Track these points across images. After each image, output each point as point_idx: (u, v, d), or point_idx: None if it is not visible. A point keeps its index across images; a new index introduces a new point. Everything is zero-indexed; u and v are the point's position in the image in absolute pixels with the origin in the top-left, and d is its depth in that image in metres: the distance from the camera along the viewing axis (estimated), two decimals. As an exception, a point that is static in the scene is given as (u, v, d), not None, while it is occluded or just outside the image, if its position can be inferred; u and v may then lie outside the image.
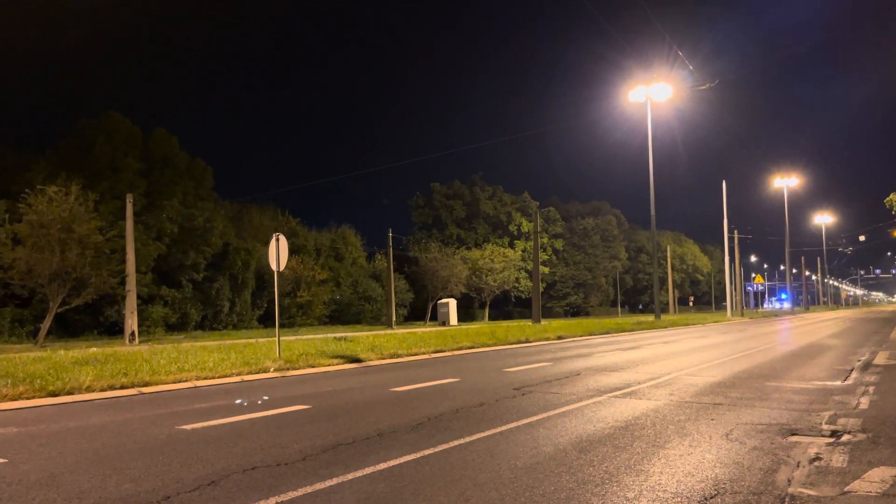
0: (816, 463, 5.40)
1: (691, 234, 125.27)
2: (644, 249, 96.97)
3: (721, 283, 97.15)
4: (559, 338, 24.08)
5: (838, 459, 5.49)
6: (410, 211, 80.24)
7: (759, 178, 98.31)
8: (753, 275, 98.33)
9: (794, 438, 6.31)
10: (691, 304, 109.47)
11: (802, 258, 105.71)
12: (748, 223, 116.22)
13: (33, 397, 9.29)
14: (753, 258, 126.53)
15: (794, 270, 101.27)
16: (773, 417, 7.40)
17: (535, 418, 7.42)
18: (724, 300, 71.98)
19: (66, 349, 18.36)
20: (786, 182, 75.61)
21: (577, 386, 10.24)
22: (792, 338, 23.59)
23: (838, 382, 10.57)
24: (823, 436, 6.42)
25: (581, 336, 25.81)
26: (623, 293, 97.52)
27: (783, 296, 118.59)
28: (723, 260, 67.69)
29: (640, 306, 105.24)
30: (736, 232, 66.53)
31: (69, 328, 36.27)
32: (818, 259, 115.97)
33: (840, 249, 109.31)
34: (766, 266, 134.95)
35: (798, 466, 5.29)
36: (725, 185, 59.45)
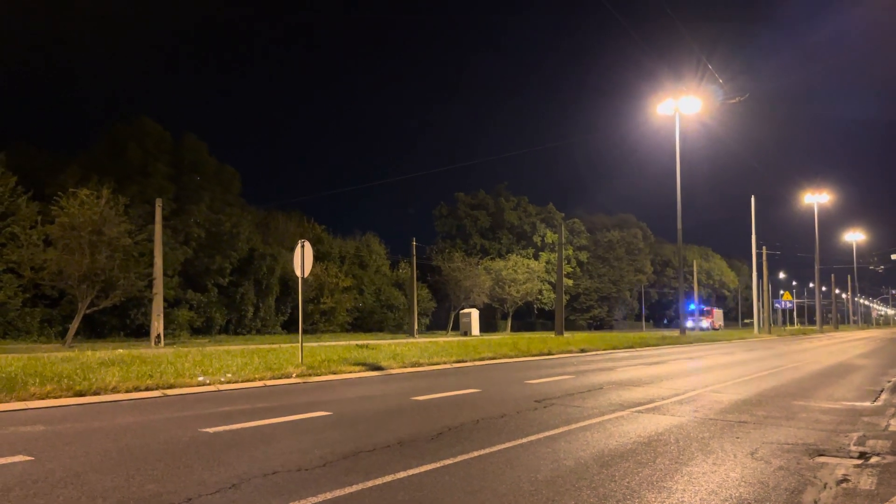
0: (844, 485, 5.29)
1: (718, 249, 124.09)
2: (670, 263, 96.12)
3: (748, 300, 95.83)
4: (582, 351, 23.91)
5: (866, 482, 5.37)
6: (434, 220, 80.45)
7: (789, 193, 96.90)
8: (782, 291, 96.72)
9: (822, 459, 6.19)
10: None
11: (832, 276, 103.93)
12: (777, 239, 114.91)
13: (61, 396, 9.43)
14: (782, 275, 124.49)
15: (824, 288, 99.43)
16: (799, 437, 7.26)
17: (556, 431, 7.36)
18: (751, 316, 70.97)
19: (93, 350, 18.63)
20: (816, 198, 74.43)
21: (600, 400, 10.15)
22: (820, 357, 23.16)
23: (867, 403, 10.35)
24: (851, 457, 6.28)
25: (604, 350, 25.60)
26: (648, 307, 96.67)
27: (691, 307, 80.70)
28: (750, 276, 66.78)
29: (665, 321, 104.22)
30: (764, 248, 65.63)
31: (96, 329, 36.87)
32: (848, 277, 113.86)
33: (871, 267, 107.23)
34: (794, 283, 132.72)
35: (825, 488, 5.19)
36: (754, 200, 58.78)
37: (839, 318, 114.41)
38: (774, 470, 5.71)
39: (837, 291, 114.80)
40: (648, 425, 7.89)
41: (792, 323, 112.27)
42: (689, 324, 77.04)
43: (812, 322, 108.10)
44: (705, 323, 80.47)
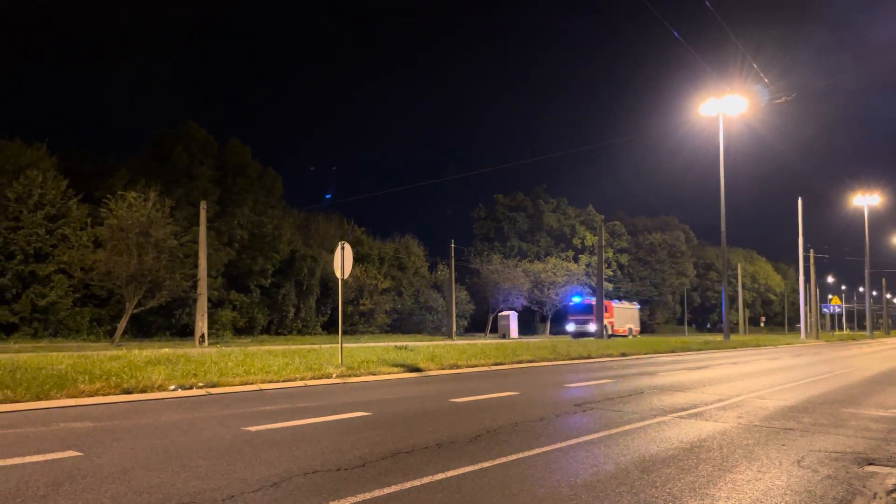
0: (894, 495, 5.13)
1: (764, 252, 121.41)
2: (713, 266, 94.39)
3: (795, 304, 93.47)
4: (622, 355, 23.63)
5: (920, 493, 5.20)
6: (473, 222, 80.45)
7: (838, 194, 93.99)
8: (830, 296, 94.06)
9: (871, 468, 6.00)
10: (762, 324, 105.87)
11: (884, 280, 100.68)
12: (825, 242, 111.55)
13: (109, 394, 9.69)
14: (830, 279, 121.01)
15: (875, 293, 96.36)
16: (848, 445, 7.06)
17: (595, 436, 7.29)
18: (798, 321, 69.28)
19: (140, 349, 19.09)
20: (867, 200, 72.22)
21: (641, 404, 10.02)
22: (870, 363, 22.47)
23: (921, 412, 10.00)
24: (904, 467, 6.08)
25: (645, 354, 25.25)
26: (690, 311, 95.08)
27: (576, 298, 59.26)
28: (797, 279, 65.17)
29: (708, 325, 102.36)
30: (812, 251, 64.10)
31: (143, 329, 37.77)
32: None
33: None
34: (843, 287, 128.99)
35: (874, 497, 5.03)
36: (801, 201, 57.40)
37: (890, 323, 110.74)
38: (822, 479, 5.56)
39: (889, 296, 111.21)
40: (691, 431, 7.76)
41: (841, 328, 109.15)
42: (571, 327, 55.83)
43: (862, 327, 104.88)
44: (593, 327, 50.37)
